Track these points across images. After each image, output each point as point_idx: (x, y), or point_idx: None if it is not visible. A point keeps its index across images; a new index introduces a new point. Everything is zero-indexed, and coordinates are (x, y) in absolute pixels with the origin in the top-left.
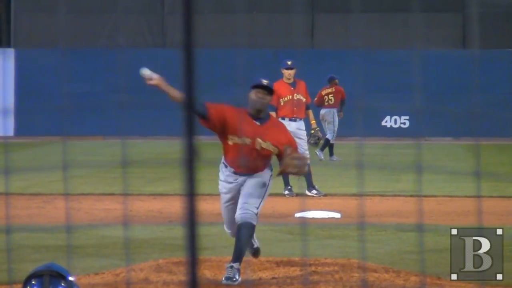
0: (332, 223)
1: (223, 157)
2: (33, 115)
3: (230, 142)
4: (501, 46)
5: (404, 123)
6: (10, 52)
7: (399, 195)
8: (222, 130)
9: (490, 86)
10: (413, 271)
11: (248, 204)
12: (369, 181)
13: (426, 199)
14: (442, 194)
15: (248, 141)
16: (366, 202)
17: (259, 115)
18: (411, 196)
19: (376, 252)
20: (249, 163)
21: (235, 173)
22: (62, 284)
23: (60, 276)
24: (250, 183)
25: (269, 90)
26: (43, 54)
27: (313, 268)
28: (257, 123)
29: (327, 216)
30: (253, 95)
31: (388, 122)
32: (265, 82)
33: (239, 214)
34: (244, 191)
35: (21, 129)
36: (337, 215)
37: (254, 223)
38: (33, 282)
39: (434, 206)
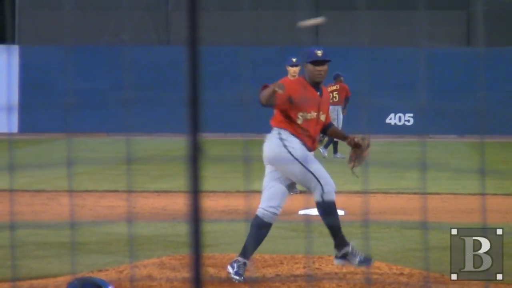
0: None
1: (286, 131)
2: (37, 112)
3: (299, 121)
4: (506, 44)
5: (408, 121)
6: (15, 49)
7: (402, 193)
8: (290, 108)
9: (494, 83)
10: (417, 269)
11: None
12: (372, 179)
13: (430, 196)
14: (446, 191)
15: (315, 114)
16: (369, 199)
17: (319, 86)
18: (414, 193)
19: (380, 249)
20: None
21: (309, 150)
22: None
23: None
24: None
25: (325, 61)
26: (48, 51)
27: (316, 265)
28: (318, 93)
29: None
30: (312, 68)
31: (392, 119)
32: (320, 53)
33: (329, 191)
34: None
35: (25, 125)
36: (341, 213)
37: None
38: None
39: (438, 203)
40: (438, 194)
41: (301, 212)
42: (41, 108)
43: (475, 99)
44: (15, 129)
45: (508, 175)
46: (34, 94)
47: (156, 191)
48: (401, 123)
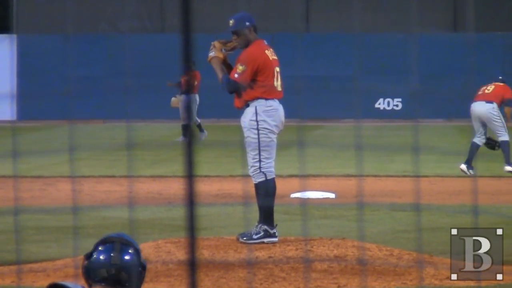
0: (327, 203)
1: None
2: (35, 100)
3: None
4: (492, 29)
5: (397, 105)
6: (12, 38)
7: (392, 176)
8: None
9: (481, 68)
10: (406, 250)
11: None
12: (363, 162)
13: (418, 179)
14: (434, 174)
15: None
16: (360, 182)
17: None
18: (403, 176)
19: (370, 231)
20: None
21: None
22: (130, 252)
23: (130, 244)
24: None
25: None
26: (45, 40)
27: (308, 247)
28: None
29: (322, 197)
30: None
31: (381, 104)
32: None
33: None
34: None
35: (23, 113)
36: (332, 196)
37: None
38: (101, 248)
39: (427, 186)
40: (426, 176)
41: (293, 195)
42: (39, 96)
43: (462, 84)
44: (13, 117)
45: (495, 158)
46: (32, 82)
47: (152, 176)
48: (389, 108)
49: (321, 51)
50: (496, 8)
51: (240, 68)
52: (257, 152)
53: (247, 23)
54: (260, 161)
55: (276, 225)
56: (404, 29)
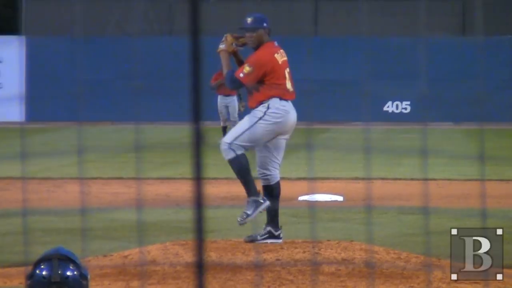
0: (335, 206)
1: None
2: (43, 101)
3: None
4: (500, 33)
5: (406, 108)
6: (21, 40)
7: (400, 179)
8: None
9: (489, 72)
10: (414, 253)
11: None
12: (371, 165)
13: (426, 182)
14: (442, 177)
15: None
16: (368, 185)
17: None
18: (411, 179)
19: (378, 234)
20: None
21: None
22: (71, 267)
23: (68, 259)
24: None
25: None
26: (53, 42)
27: (316, 250)
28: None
29: (330, 199)
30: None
31: (389, 107)
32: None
33: None
34: None
35: (32, 114)
36: (340, 198)
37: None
38: (42, 266)
39: (435, 189)
40: (434, 179)
41: (301, 198)
42: (47, 97)
43: (470, 87)
44: (22, 118)
45: (503, 161)
46: (41, 84)
47: (160, 178)
48: (398, 111)
49: (330, 55)
50: (505, 12)
51: (247, 69)
52: (241, 132)
53: (265, 24)
54: (236, 138)
55: (281, 226)
56: (412, 33)
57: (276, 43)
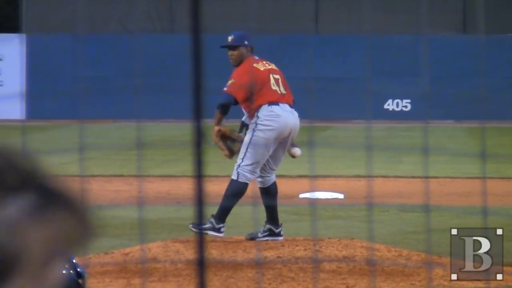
0: (336, 203)
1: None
2: (44, 99)
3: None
4: (502, 31)
5: (406, 106)
6: (22, 37)
7: (401, 177)
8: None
9: (490, 70)
10: (415, 251)
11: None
12: (372, 163)
13: (427, 180)
14: (443, 175)
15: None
16: (369, 183)
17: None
18: (413, 177)
19: (379, 232)
20: None
21: None
22: (67, 266)
23: None
24: None
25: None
26: (54, 39)
27: (317, 248)
28: None
29: (331, 197)
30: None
31: (390, 105)
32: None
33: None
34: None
35: (33, 112)
36: (341, 196)
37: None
38: None
39: (436, 187)
40: (435, 177)
41: (302, 195)
42: (47, 95)
43: (472, 85)
44: (23, 116)
45: (504, 159)
46: (42, 82)
47: (161, 176)
48: (398, 109)
49: (331, 52)
50: (506, 10)
51: (229, 82)
52: (245, 149)
53: (246, 42)
54: (242, 159)
55: (281, 224)
56: (413, 30)
57: (256, 57)
